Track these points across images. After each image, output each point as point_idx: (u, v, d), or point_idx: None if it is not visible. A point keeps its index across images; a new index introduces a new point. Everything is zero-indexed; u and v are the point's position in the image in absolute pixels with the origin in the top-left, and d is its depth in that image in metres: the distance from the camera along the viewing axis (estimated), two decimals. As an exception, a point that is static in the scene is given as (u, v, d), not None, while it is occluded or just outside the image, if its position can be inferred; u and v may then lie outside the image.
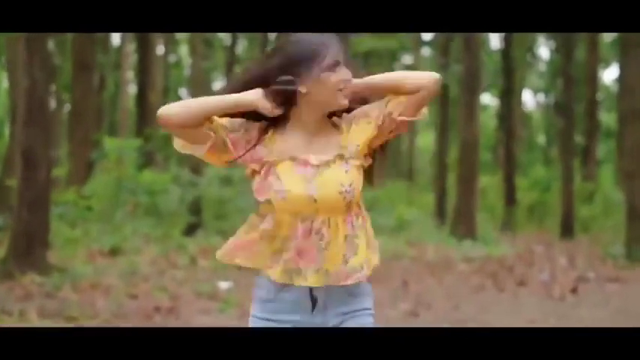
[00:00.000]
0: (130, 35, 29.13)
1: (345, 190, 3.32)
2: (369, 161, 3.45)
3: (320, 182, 3.33)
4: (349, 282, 3.35)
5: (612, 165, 33.97)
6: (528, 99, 52.18)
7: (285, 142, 3.41)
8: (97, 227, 15.94)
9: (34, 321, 8.77)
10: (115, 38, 32.49)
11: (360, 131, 3.41)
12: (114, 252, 14.04)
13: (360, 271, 3.35)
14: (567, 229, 23.52)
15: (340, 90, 3.36)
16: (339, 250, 3.35)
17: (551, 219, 27.10)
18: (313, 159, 3.36)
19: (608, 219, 26.26)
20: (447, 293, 11.88)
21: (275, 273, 3.38)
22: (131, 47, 31.99)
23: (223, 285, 11.70)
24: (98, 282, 11.22)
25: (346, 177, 3.35)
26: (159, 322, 9.23)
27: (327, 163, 3.37)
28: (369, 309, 3.45)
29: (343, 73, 3.38)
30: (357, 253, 3.36)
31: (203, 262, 13.75)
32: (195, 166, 19.27)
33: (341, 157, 3.38)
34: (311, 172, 3.35)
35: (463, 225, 19.70)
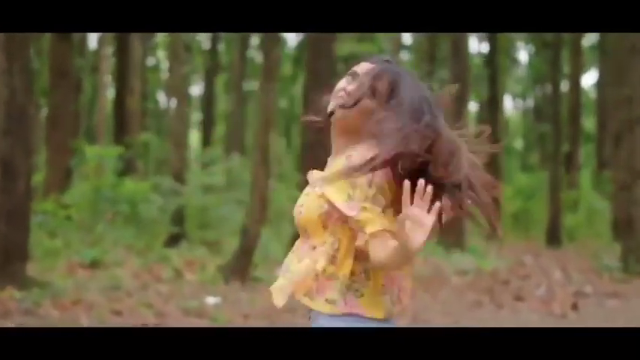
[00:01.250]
0: (108, 38, 28.66)
1: (296, 212, 3.28)
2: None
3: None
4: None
5: (590, 169, 33.79)
6: (506, 104, 52.13)
7: None
8: (76, 237, 15.51)
9: (15, 342, 8.31)
10: (92, 42, 32.03)
11: (335, 189, 3.14)
12: (95, 264, 13.58)
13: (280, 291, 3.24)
14: (554, 238, 23.27)
15: (335, 97, 3.26)
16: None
17: (536, 227, 26.85)
18: (309, 176, 3.34)
19: (592, 227, 26.07)
20: (444, 310, 11.53)
21: None
22: (108, 50, 31.51)
23: (211, 300, 11.30)
24: (80, 297, 10.79)
25: (303, 199, 3.27)
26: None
27: (309, 184, 3.33)
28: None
29: (349, 85, 3.24)
30: (285, 275, 3.25)
31: (188, 276, 13.32)
32: (178, 173, 18.80)
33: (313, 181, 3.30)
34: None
35: (452, 234, 19.23)
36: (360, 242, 3.13)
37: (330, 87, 3.38)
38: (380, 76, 3.21)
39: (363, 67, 3.28)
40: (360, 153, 3.12)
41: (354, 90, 3.22)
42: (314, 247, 3.20)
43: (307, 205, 3.21)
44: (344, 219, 3.14)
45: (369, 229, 3.06)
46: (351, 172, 3.05)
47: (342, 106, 3.20)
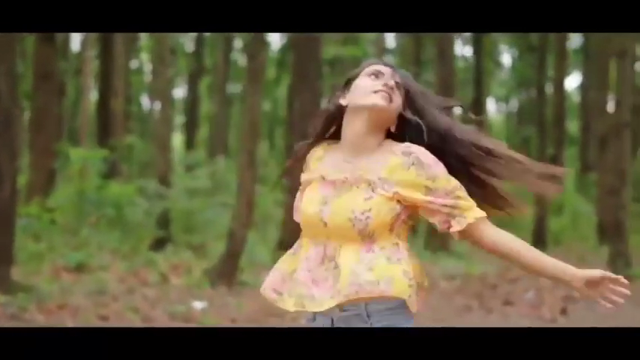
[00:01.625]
0: (91, 41, 28.51)
1: (356, 218, 3.09)
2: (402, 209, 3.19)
3: (334, 205, 3.14)
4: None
5: (574, 172, 33.78)
6: (489, 107, 52.17)
7: (325, 161, 3.29)
8: (61, 240, 15.38)
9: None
10: (75, 44, 31.87)
11: (408, 186, 3.15)
12: (80, 268, 13.45)
13: (377, 285, 3.08)
14: (540, 242, 23.18)
15: (376, 92, 3.19)
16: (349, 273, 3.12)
17: (522, 231, 26.81)
18: (334, 174, 3.20)
19: (577, 230, 26.04)
20: (434, 315, 11.44)
21: (285, 302, 3.24)
22: (92, 53, 31.38)
23: (198, 305, 11.21)
24: (65, 302, 10.69)
25: (363, 204, 3.11)
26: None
27: (350, 185, 3.16)
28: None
29: (383, 80, 3.23)
30: (373, 269, 3.09)
31: (174, 280, 13.22)
32: (163, 176, 18.62)
33: (369, 182, 3.13)
34: (331, 193, 3.18)
35: (438, 238, 19.11)
36: (457, 228, 3.18)
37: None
38: (410, 78, 3.37)
39: (383, 69, 3.31)
40: (420, 148, 3.19)
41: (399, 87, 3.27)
42: (382, 248, 3.15)
43: (377, 209, 3.11)
44: (405, 219, 3.19)
45: (475, 215, 3.21)
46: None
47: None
